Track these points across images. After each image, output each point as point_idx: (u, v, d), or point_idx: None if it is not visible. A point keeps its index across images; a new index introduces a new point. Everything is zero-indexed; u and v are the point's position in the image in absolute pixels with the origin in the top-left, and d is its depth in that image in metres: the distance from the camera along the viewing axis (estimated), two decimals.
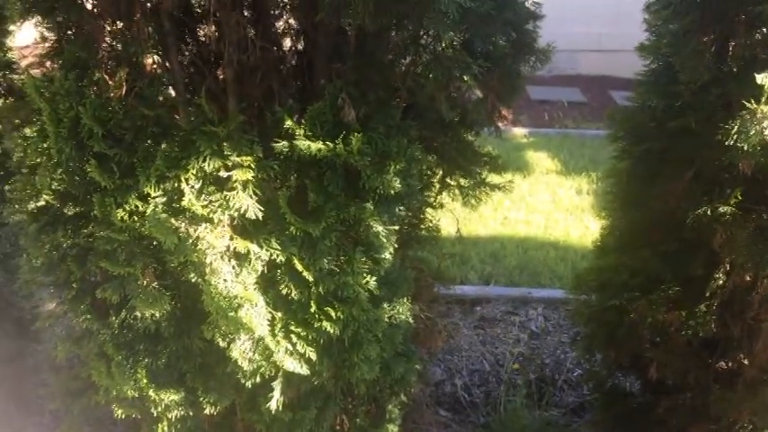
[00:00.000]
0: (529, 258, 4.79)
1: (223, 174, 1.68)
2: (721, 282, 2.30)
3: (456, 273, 4.46)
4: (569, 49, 7.76)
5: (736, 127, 1.87)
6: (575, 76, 8.73)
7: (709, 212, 2.12)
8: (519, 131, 7.22)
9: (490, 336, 3.94)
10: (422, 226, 2.64)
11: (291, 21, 2.05)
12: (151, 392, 1.87)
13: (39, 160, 1.83)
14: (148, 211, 1.68)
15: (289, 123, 1.72)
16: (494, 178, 2.61)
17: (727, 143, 1.90)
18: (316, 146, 1.70)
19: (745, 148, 1.88)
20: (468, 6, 1.64)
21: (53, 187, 1.84)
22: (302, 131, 1.72)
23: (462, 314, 4.13)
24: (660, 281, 2.35)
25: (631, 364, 2.70)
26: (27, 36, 2.18)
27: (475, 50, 2.04)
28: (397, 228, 1.89)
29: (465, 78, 1.84)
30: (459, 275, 4.48)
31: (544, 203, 5.64)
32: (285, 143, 1.73)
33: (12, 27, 2.85)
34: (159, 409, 1.93)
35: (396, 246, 1.91)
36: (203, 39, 1.98)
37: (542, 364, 3.69)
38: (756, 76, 1.81)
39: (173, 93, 1.93)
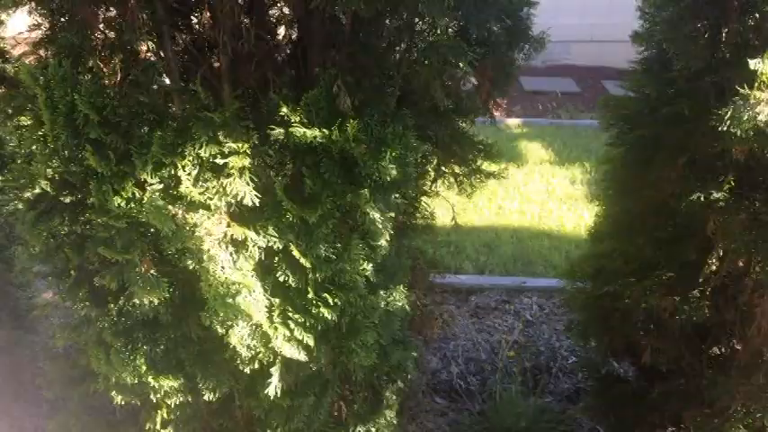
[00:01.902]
0: (523, 248, 4.82)
1: (219, 160, 1.68)
2: (714, 267, 2.33)
3: (451, 262, 4.49)
4: (563, 40, 7.77)
5: (729, 113, 1.87)
6: (568, 67, 8.74)
7: (702, 199, 2.13)
8: (513, 122, 7.23)
9: (485, 324, 3.97)
10: (417, 214, 2.65)
11: (285, 9, 2.05)
12: (150, 379, 1.87)
13: (34, 148, 1.83)
14: (146, 198, 1.68)
15: (284, 110, 1.72)
16: (489, 166, 2.62)
17: (720, 129, 1.91)
18: (311, 133, 1.70)
19: (738, 133, 1.88)
20: None
21: (49, 175, 1.84)
22: (298, 119, 1.72)
23: (458, 303, 4.15)
24: (654, 267, 2.37)
25: (625, 350, 2.73)
26: (17, 24, 2.17)
27: (470, 37, 2.04)
28: (393, 215, 1.90)
29: (460, 65, 1.84)
30: (454, 265, 4.50)
31: (538, 193, 5.66)
32: (281, 130, 1.73)
33: (3, 16, 2.83)
34: (158, 395, 1.94)
35: (392, 233, 1.91)
36: (197, 26, 1.98)
37: (537, 351, 3.72)
38: (749, 61, 1.82)
39: (167, 80, 1.93)
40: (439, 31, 1.82)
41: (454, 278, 4.14)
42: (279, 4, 2.05)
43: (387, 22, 2.01)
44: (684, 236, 2.28)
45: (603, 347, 2.82)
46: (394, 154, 1.76)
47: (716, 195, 2.12)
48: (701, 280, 2.34)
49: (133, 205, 1.72)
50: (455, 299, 4.17)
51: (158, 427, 2.05)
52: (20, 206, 1.94)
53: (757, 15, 1.95)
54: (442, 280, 3.13)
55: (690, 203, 2.15)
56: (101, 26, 1.83)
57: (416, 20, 1.95)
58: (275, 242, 1.75)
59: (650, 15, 2.26)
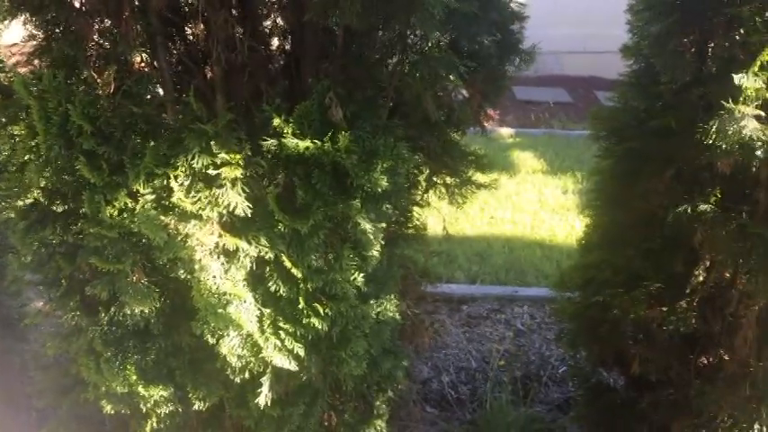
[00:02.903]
0: (515, 257, 4.84)
1: (212, 171, 1.70)
2: (701, 278, 2.35)
3: (443, 271, 4.50)
4: (555, 51, 7.83)
5: (714, 126, 1.91)
6: (561, 77, 8.80)
7: (689, 211, 2.16)
8: (505, 131, 7.27)
9: (477, 334, 3.98)
10: (409, 224, 2.66)
11: (279, 20, 2.07)
12: (140, 388, 1.88)
13: (27, 158, 1.84)
14: (138, 208, 1.69)
15: (277, 122, 1.74)
16: (480, 177, 2.64)
17: (706, 142, 1.94)
18: (304, 144, 1.72)
19: (724, 146, 1.92)
20: (454, 7, 1.67)
21: (42, 185, 1.85)
22: (290, 130, 1.74)
23: (449, 312, 4.16)
24: (642, 278, 2.39)
25: (615, 360, 2.74)
26: (13, 35, 2.18)
27: (461, 50, 2.07)
28: (384, 225, 1.92)
29: (451, 78, 1.87)
30: (446, 274, 4.51)
31: (530, 203, 5.69)
32: (273, 141, 1.75)
33: None
34: (148, 405, 1.94)
35: (383, 243, 1.93)
36: (191, 37, 2.00)
37: (528, 361, 3.73)
38: (734, 76, 1.85)
39: (161, 91, 1.94)
40: (430, 45, 1.85)
41: (446, 287, 4.16)
42: (273, 16, 2.07)
43: (379, 34, 2.04)
44: (672, 247, 2.30)
45: (593, 357, 2.84)
46: (385, 165, 1.78)
47: (703, 207, 2.14)
48: (688, 291, 2.36)
49: (125, 215, 1.73)
50: (447, 308, 4.18)
51: None
52: (12, 215, 1.95)
53: (743, 31, 1.98)
54: (434, 289, 3.15)
55: (677, 215, 2.17)
56: (95, 37, 1.84)
57: (408, 33, 1.98)
58: (267, 252, 1.76)
59: (639, 29, 2.30)
